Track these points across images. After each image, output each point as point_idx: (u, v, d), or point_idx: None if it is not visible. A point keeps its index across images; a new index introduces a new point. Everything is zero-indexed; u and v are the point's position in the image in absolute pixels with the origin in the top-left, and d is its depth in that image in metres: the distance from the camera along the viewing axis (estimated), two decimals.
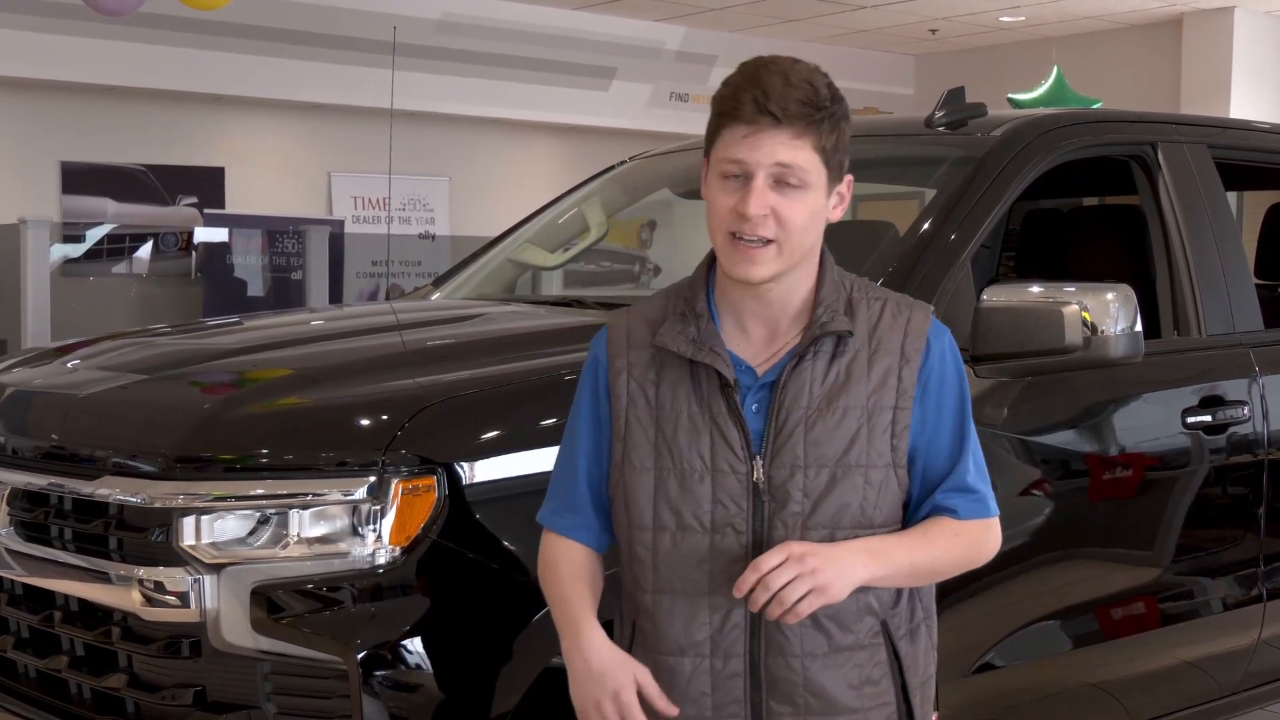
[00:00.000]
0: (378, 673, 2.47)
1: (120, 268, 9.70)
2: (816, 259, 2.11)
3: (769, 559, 1.97)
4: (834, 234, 4.41)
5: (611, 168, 4.69)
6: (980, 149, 3.58)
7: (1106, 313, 3.08)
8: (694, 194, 4.76)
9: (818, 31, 12.18)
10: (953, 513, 2.12)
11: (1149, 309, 3.56)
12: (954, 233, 3.33)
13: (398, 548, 2.51)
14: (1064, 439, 3.40)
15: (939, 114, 3.77)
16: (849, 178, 2.12)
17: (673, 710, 2.08)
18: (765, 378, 2.08)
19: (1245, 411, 3.70)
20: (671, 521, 2.08)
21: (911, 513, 2.14)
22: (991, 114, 3.82)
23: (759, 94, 2.00)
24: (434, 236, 11.82)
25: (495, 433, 2.65)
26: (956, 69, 9.90)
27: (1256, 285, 4.02)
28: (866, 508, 2.06)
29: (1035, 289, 3.18)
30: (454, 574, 2.56)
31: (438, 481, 2.53)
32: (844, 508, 2.05)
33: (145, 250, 9.65)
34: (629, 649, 2.13)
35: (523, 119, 11.68)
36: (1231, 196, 4.24)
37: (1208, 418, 3.62)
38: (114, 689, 2.71)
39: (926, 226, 3.39)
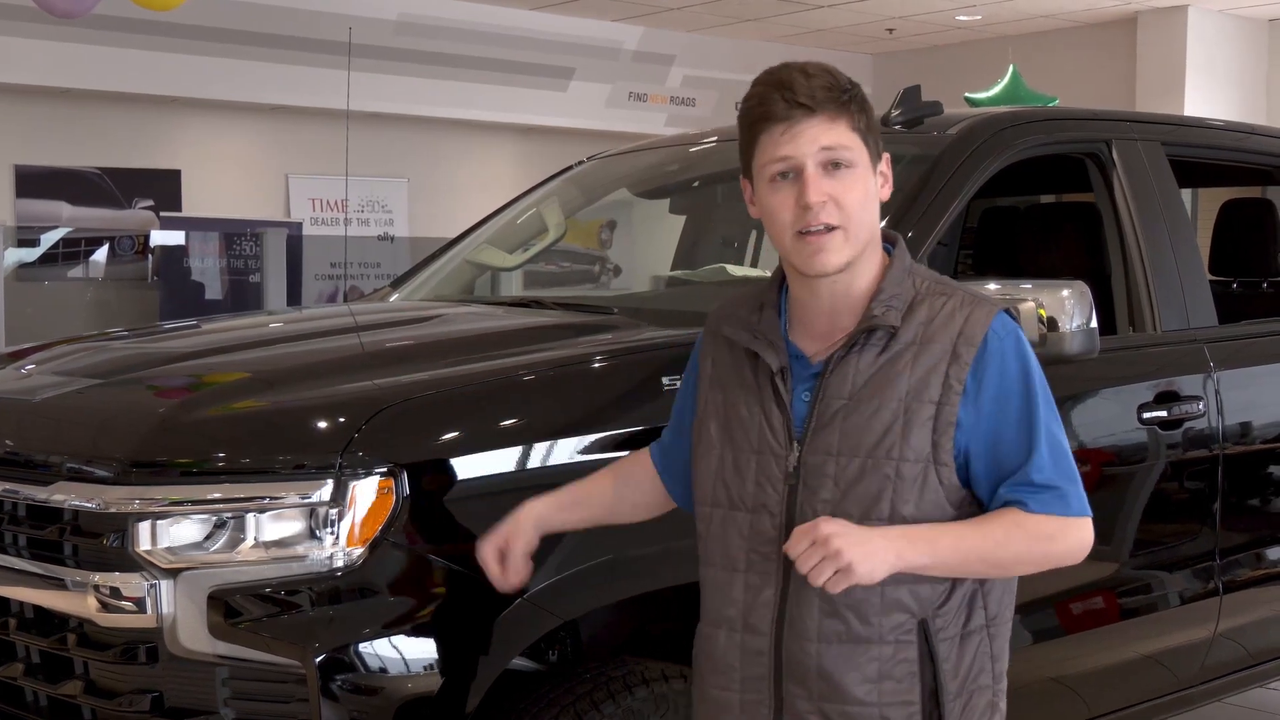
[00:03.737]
0: (337, 676, 2.45)
1: (76, 272, 9.63)
2: (879, 250, 2.15)
3: (796, 542, 2.01)
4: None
5: (569, 168, 4.68)
6: (936, 147, 3.59)
7: (1063, 309, 3.10)
8: (651, 194, 4.79)
9: (775, 31, 12.21)
10: (1020, 505, 2.08)
11: (1104, 305, 3.58)
12: (910, 230, 3.34)
13: (356, 550, 2.49)
14: None
15: (895, 112, 3.78)
16: (887, 156, 2.16)
17: (505, 581, 2.36)
18: (815, 367, 2.13)
19: (1200, 407, 3.72)
20: (724, 499, 2.18)
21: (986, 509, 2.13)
22: (947, 112, 3.83)
23: (786, 92, 2.06)
24: (393, 238, 11.78)
25: (454, 434, 2.64)
26: (914, 68, 9.94)
27: (1210, 281, 4.05)
28: (896, 501, 2.06)
29: (992, 286, 3.19)
30: (413, 576, 2.55)
31: (396, 483, 2.52)
32: (872, 499, 2.06)
33: (101, 254, 9.58)
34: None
35: (481, 120, 11.65)
36: (1186, 194, 4.27)
37: (1163, 413, 3.65)
38: (70, 696, 2.68)
39: (883, 225, 3.39)
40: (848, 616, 2.07)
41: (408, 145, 11.78)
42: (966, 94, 9.02)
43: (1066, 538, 2.11)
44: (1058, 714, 3.58)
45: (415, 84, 11.10)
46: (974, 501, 2.12)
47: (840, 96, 2.07)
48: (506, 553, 2.38)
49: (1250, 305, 4.61)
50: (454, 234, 4.68)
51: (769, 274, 3.94)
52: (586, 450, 2.72)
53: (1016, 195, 5.20)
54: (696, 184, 4.64)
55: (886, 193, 2.16)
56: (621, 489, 2.43)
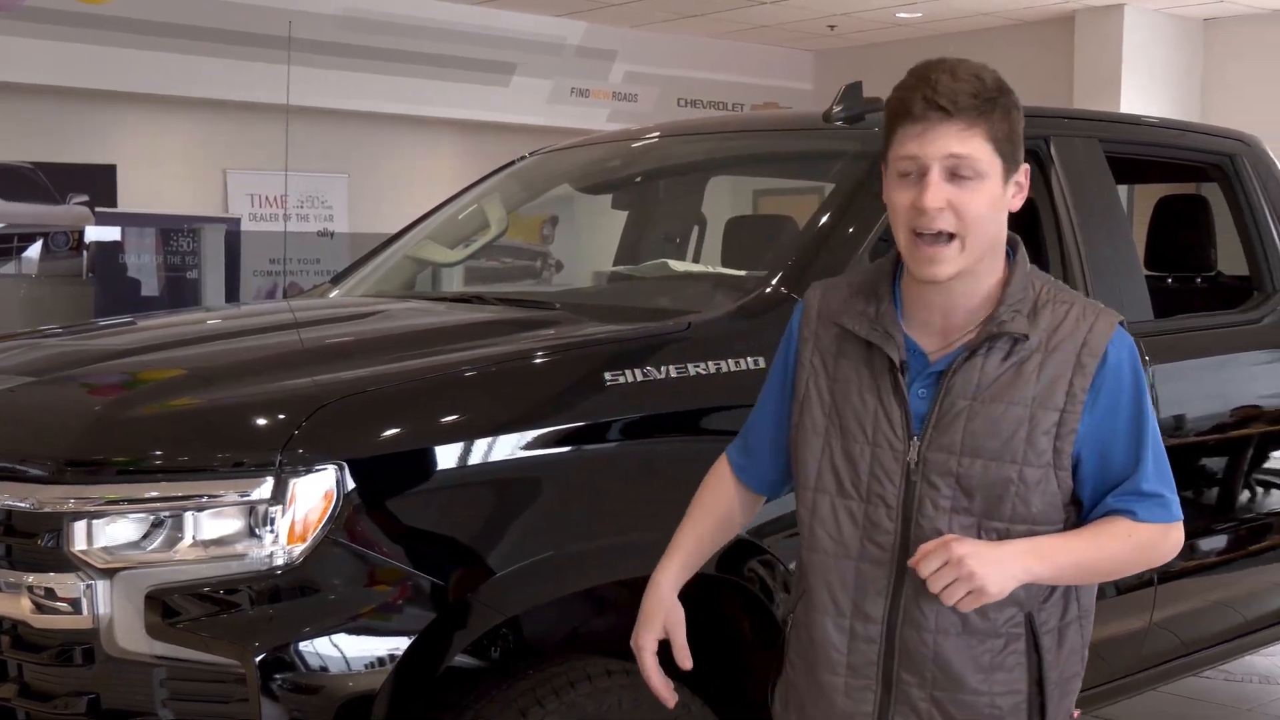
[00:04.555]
0: (277, 675, 2.43)
1: (8, 268, 9.49)
2: (1001, 255, 2.16)
3: (930, 562, 2.04)
4: (736, 231, 4.44)
5: (511, 163, 4.67)
6: (877, 143, 3.59)
7: None
8: (594, 189, 4.78)
9: (718, 27, 12.23)
10: (1130, 514, 2.14)
11: None
12: (852, 225, 3.36)
13: (297, 548, 2.47)
14: None
15: (837, 108, 3.79)
16: (1025, 166, 2.15)
17: (667, 693, 2.34)
18: (936, 366, 2.15)
19: None
20: (831, 485, 2.20)
21: (1086, 514, 2.17)
22: None
23: (928, 91, 2.05)
24: (332, 234, 11.69)
25: (396, 431, 2.62)
26: (855, 65, 9.97)
27: (1146, 276, 4.10)
28: (1016, 504, 2.10)
29: None
30: (355, 574, 2.53)
31: (336, 481, 2.50)
32: (993, 501, 2.10)
33: (35, 250, 9.44)
34: (798, 602, 2.29)
35: (422, 115, 11.60)
36: (1122, 190, 4.31)
37: None
38: (4, 699, 2.64)
39: (825, 220, 3.41)
40: (967, 612, 2.11)
41: (348, 140, 11.71)
42: None
43: (1167, 541, 2.17)
44: None
45: (356, 79, 11.03)
46: (1075, 499, 2.17)
47: (981, 105, 2.06)
48: (671, 638, 2.34)
49: (1185, 300, 4.67)
50: (395, 230, 4.65)
51: (710, 269, 3.97)
52: (529, 446, 2.71)
53: None
54: (639, 180, 4.64)
55: (1018, 203, 2.15)
56: (719, 514, 2.41)
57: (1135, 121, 4.58)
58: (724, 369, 3.00)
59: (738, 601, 3.02)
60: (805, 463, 2.23)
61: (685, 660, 2.32)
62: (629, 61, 12.16)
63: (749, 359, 3.05)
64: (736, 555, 2.94)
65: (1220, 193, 4.61)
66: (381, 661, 2.50)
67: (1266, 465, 4.23)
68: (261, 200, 11.84)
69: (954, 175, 2.06)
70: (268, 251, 10.41)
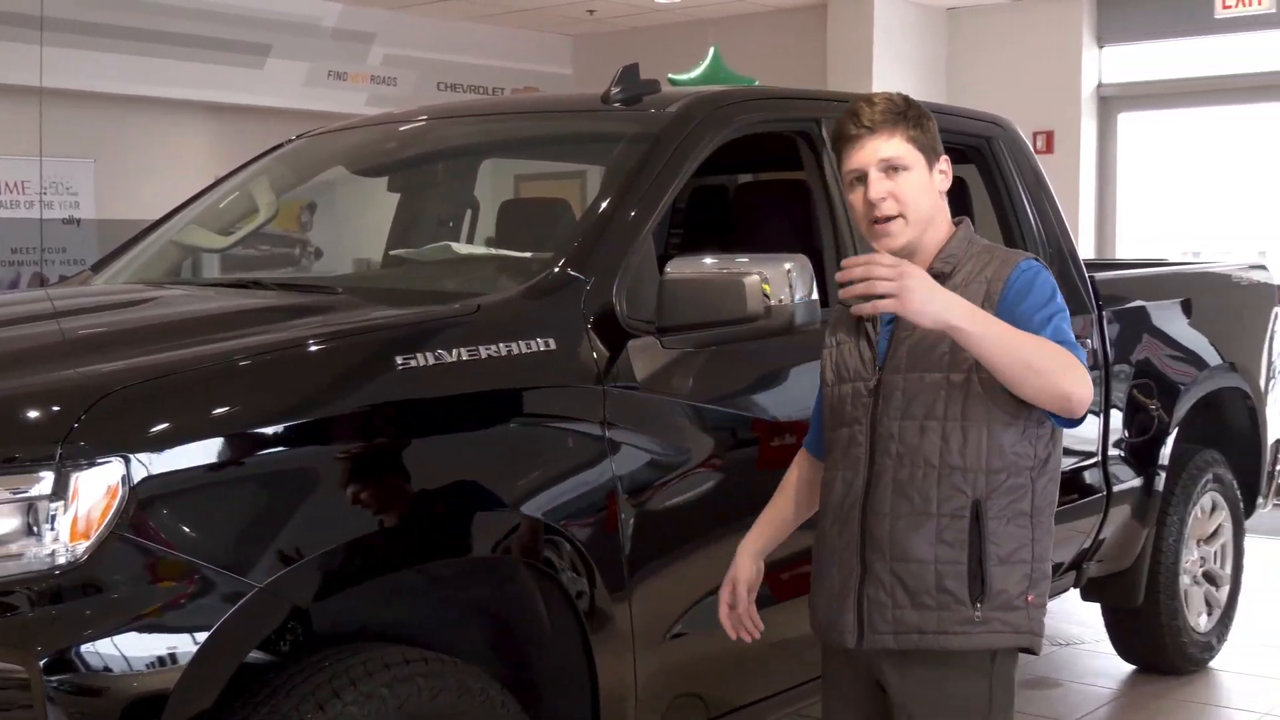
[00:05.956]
0: (62, 679, 2.32)
1: None
2: (941, 227, 2.74)
3: (882, 263, 2.49)
4: (511, 214, 4.41)
5: (279, 146, 4.55)
6: (656, 125, 3.64)
7: (785, 282, 3.19)
8: (368, 171, 4.70)
9: (475, 10, 12.14)
10: None
11: (817, 279, 3.69)
12: (634, 208, 3.38)
13: (80, 545, 2.36)
14: (748, 405, 3.50)
15: (614, 90, 3.81)
16: (945, 157, 2.74)
17: (750, 619, 2.96)
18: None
19: None
20: (833, 421, 2.80)
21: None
22: (665, 91, 3.88)
23: (854, 119, 2.70)
24: (79, 221, 11.21)
25: (183, 420, 2.52)
26: (615, 50, 10.02)
27: None
28: (948, 402, 2.64)
29: (718, 261, 3.26)
30: (142, 570, 2.43)
31: (120, 474, 2.40)
32: (931, 401, 2.65)
33: None
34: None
35: (172, 97, 11.17)
36: None
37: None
38: None
39: (607, 203, 3.42)
40: (913, 496, 2.66)
41: (94, 124, 11.21)
42: (670, 75, 9.16)
43: (1075, 369, 2.57)
44: (776, 678, 3.68)
45: (101, 59, 10.58)
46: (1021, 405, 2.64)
47: (895, 118, 2.68)
48: (734, 596, 2.94)
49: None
50: (145, 216, 4.48)
51: (494, 252, 3.95)
52: (321, 433, 2.66)
53: (718, 175, 5.30)
54: (413, 162, 4.58)
55: (945, 184, 2.75)
56: (800, 493, 2.98)
57: None
58: (515, 350, 2.99)
59: (535, 584, 3.02)
60: (826, 414, 2.83)
61: (745, 605, 2.94)
62: (387, 45, 11.96)
63: (539, 340, 3.04)
64: (530, 536, 2.94)
65: (977, 174, 4.79)
66: (173, 660, 2.41)
67: None
68: (3, 187, 11.28)
69: (889, 171, 2.67)
70: (9, 240, 9.92)
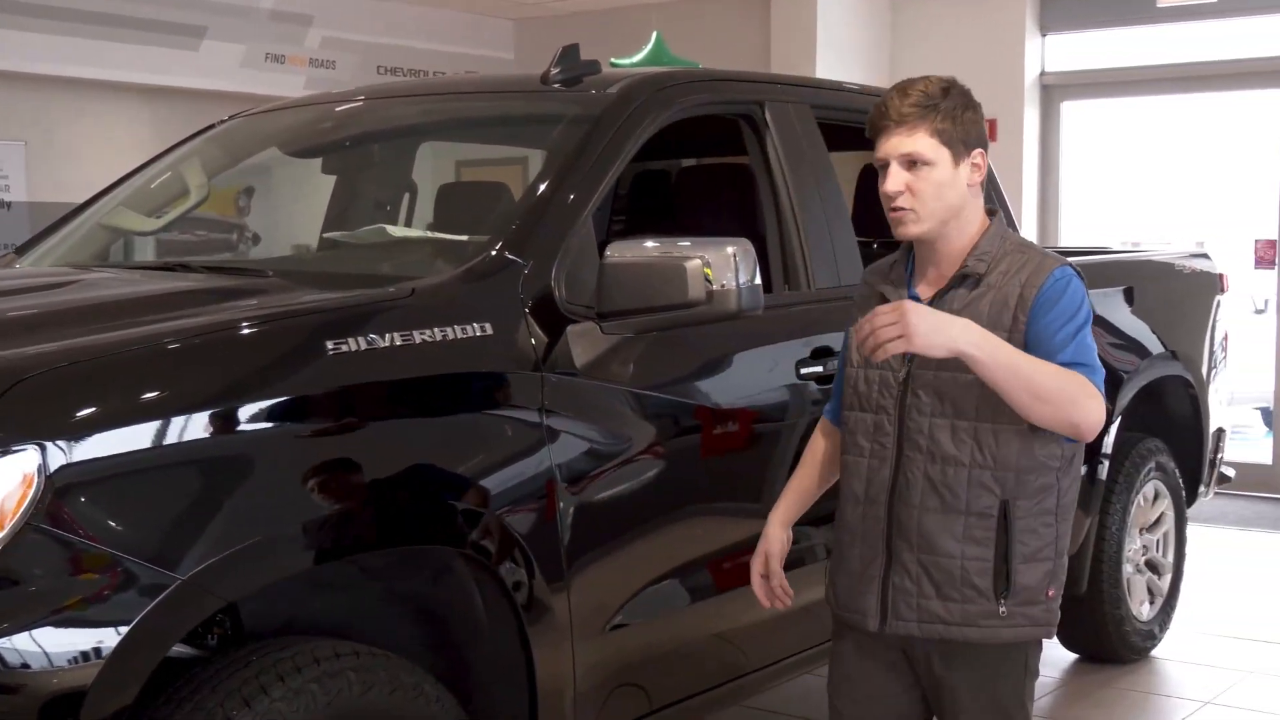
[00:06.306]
0: None
1: None
2: (971, 219, 2.78)
3: (881, 313, 2.57)
4: (449, 197, 4.32)
5: (211, 126, 4.44)
6: (596, 106, 3.56)
7: (728, 267, 3.13)
8: (302, 153, 4.59)
9: None
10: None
11: (760, 265, 3.63)
12: (574, 191, 3.31)
13: None
14: (690, 392, 3.44)
15: (554, 70, 3.73)
16: (979, 150, 2.76)
17: (782, 587, 3.03)
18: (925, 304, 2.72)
19: None
20: (855, 404, 2.85)
21: None
22: (606, 71, 3.81)
23: (883, 108, 2.74)
24: (9, 204, 10.99)
25: (103, 407, 2.42)
26: (558, 34, 9.91)
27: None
28: (980, 405, 2.68)
29: (658, 245, 3.19)
30: (59, 563, 2.33)
31: (36, 462, 2.30)
32: (959, 403, 2.70)
33: None
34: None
35: (105, 79, 10.96)
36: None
37: (819, 368, 3.74)
38: None
39: (546, 185, 3.35)
40: (944, 493, 2.72)
41: (24, 106, 11.00)
42: (613, 59, 9.07)
43: (1091, 398, 2.63)
44: (719, 669, 3.64)
45: (31, 39, 10.37)
46: None
47: (924, 112, 2.70)
48: (767, 566, 3.02)
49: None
50: (79, 200, 4.35)
51: (430, 235, 3.87)
52: (249, 420, 2.56)
53: (660, 159, 5.25)
54: (348, 144, 4.47)
55: (978, 178, 2.76)
56: (824, 463, 3.04)
57: (842, 88, 4.66)
58: (451, 335, 2.91)
59: (471, 575, 2.95)
60: (846, 392, 2.88)
61: (779, 575, 3.01)
62: (326, 27, 11.77)
63: (475, 325, 2.96)
64: (466, 526, 2.87)
65: None
66: (92, 655, 2.32)
67: None
68: None
69: (909, 165, 2.71)
70: None
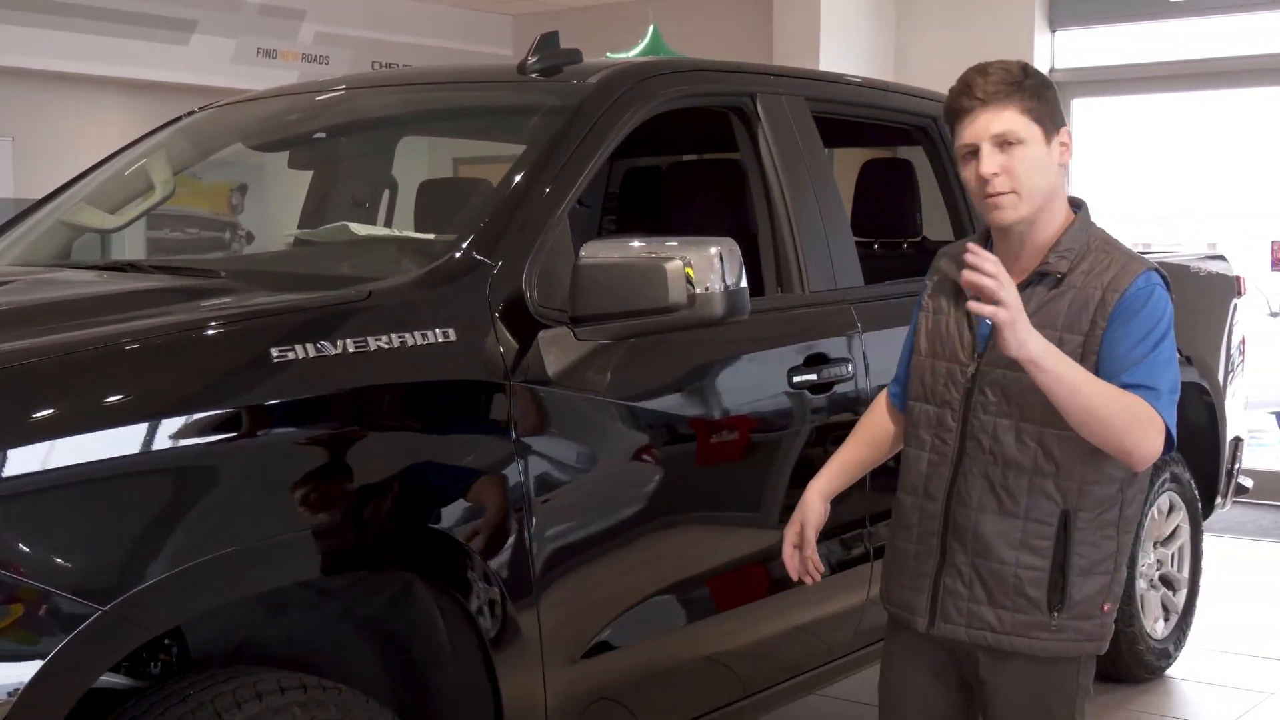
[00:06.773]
0: None
1: None
2: (1058, 208, 2.69)
3: (1000, 272, 2.48)
4: (430, 194, 4.11)
5: (178, 119, 4.23)
6: (575, 97, 3.36)
7: (711, 268, 2.91)
8: (269, 146, 4.38)
9: None
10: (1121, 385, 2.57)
11: (752, 266, 3.42)
12: (549, 185, 3.10)
13: None
14: (671, 403, 3.22)
15: (532, 59, 3.52)
16: (1065, 129, 2.68)
17: (813, 560, 2.94)
18: None
19: (849, 369, 3.64)
20: (920, 394, 2.80)
21: None
22: (587, 61, 3.60)
23: (967, 90, 2.65)
24: None
25: (29, 419, 2.19)
26: (557, 28, 9.77)
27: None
28: (1046, 411, 2.58)
29: (636, 244, 2.97)
30: None
31: None
32: (1027, 406, 2.62)
33: None
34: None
35: (94, 74, 10.80)
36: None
37: (813, 376, 3.54)
38: None
39: (519, 179, 3.13)
40: (1002, 496, 2.66)
41: (12, 101, 10.85)
42: (609, 54, 8.88)
43: (1152, 424, 2.55)
44: (714, 694, 3.45)
45: (19, 33, 10.21)
46: None
47: (1009, 89, 2.61)
48: (801, 537, 2.93)
49: (891, 266, 4.59)
50: None
51: (395, 233, 3.66)
52: (185, 433, 2.32)
53: (656, 155, 5.07)
54: (321, 137, 4.26)
55: (1067, 157, 2.69)
56: (878, 440, 2.97)
57: (841, 80, 4.44)
58: (409, 342, 2.69)
59: (433, 599, 2.74)
60: (912, 380, 2.82)
61: (812, 547, 2.92)
62: (319, 22, 11.58)
63: (437, 330, 2.75)
64: (427, 548, 2.66)
65: (924, 156, 4.55)
66: (13, 682, 2.10)
67: None
68: None
69: (1001, 145, 2.61)
70: None
